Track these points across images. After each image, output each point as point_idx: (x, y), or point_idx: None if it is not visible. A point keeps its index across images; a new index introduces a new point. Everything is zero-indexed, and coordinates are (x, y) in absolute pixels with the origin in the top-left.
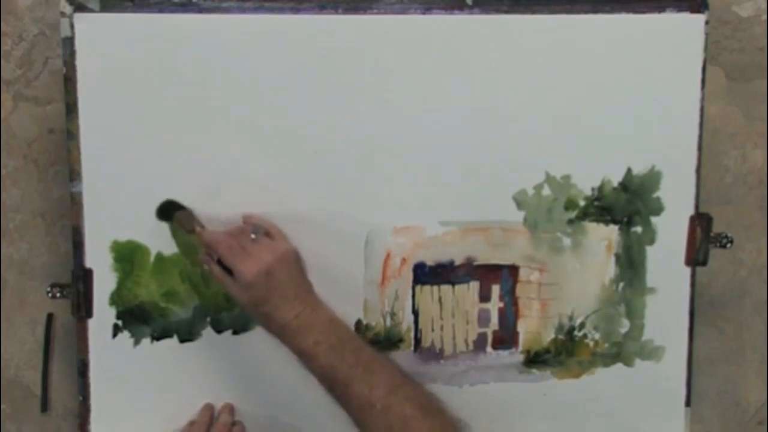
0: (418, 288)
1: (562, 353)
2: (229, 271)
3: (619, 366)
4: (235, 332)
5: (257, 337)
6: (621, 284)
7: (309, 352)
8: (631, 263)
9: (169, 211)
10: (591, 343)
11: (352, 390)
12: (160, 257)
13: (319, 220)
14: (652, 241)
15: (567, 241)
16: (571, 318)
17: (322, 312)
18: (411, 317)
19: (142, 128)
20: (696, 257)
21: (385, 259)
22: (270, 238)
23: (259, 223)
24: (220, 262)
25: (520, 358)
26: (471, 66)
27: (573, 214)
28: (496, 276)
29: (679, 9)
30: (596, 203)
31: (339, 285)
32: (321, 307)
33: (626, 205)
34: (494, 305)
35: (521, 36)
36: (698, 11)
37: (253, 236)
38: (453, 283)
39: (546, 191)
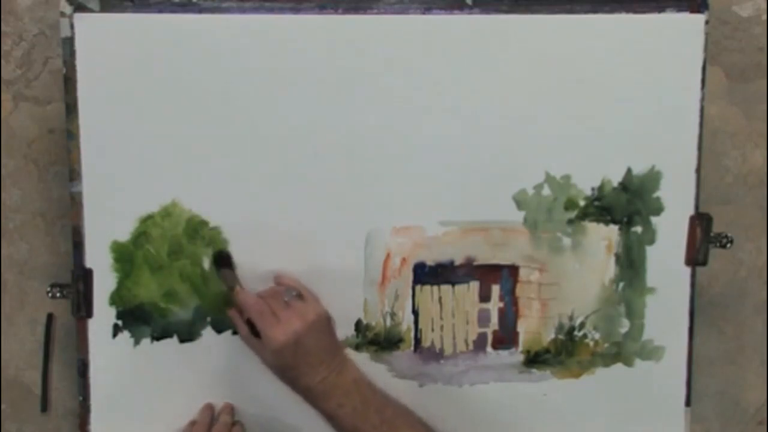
0: (418, 288)
1: (562, 353)
2: (257, 330)
3: (619, 366)
4: (235, 332)
5: None
6: (621, 284)
7: (332, 414)
8: (631, 263)
9: (218, 262)
10: (591, 343)
11: None
12: None
13: (319, 221)
14: (652, 241)
15: (567, 241)
16: (571, 318)
17: (347, 374)
18: (411, 317)
19: (142, 128)
20: (696, 257)
21: (385, 259)
22: (302, 300)
23: (292, 284)
24: (249, 322)
25: (520, 358)
26: (471, 66)
27: (573, 214)
28: (496, 276)
29: (679, 9)
30: (596, 203)
31: (339, 285)
32: (347, 369)
33: (626, 205)
34: (494, 305)
35: (521, 36)
36: (698, 11)
37: (286, 299)
38: (453, 283)
39: (546, 191)
